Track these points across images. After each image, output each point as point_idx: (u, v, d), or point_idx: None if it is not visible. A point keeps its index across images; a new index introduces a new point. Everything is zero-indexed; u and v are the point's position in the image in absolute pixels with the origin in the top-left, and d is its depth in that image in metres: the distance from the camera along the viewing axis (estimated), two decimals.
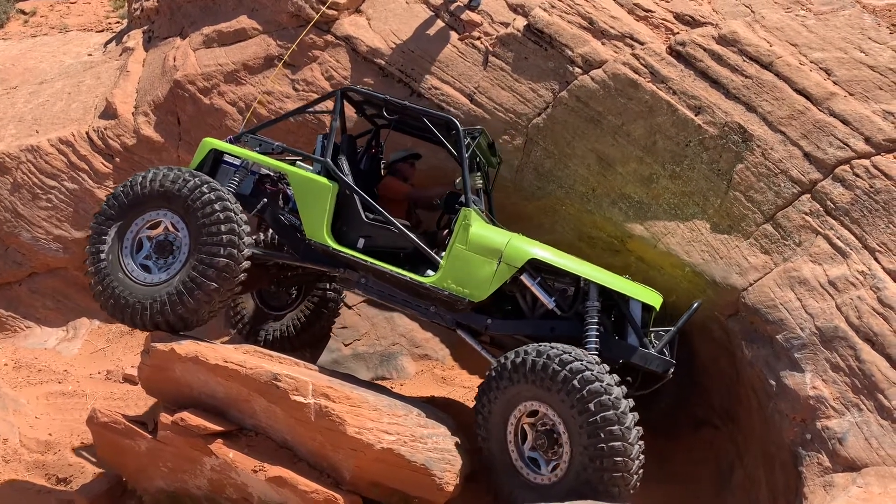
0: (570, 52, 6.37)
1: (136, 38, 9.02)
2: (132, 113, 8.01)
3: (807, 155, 5.66)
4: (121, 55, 9.07)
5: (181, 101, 7.62)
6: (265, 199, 5.62)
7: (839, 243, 5.41)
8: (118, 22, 11.53)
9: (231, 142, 5.81)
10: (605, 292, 5.19)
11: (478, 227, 5.26)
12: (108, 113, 8.14)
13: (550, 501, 4.56)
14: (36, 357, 7.58)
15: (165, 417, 5.06)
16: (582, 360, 4.64)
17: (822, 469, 4.91)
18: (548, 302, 5.21)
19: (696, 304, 5.43)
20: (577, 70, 6.32)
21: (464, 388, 6.95)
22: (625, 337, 5.23)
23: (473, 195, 5.55)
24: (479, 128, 5.83)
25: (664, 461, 6.17)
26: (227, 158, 5.66)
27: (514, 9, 6.77)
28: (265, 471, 4.82)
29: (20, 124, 8.58)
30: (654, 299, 5.35)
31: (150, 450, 5.15)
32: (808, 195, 5.60)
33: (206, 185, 5.21)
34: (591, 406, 4.53)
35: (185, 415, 5.01)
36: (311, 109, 6.22)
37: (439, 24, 6.92)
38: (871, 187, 5.43)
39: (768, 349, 5.38)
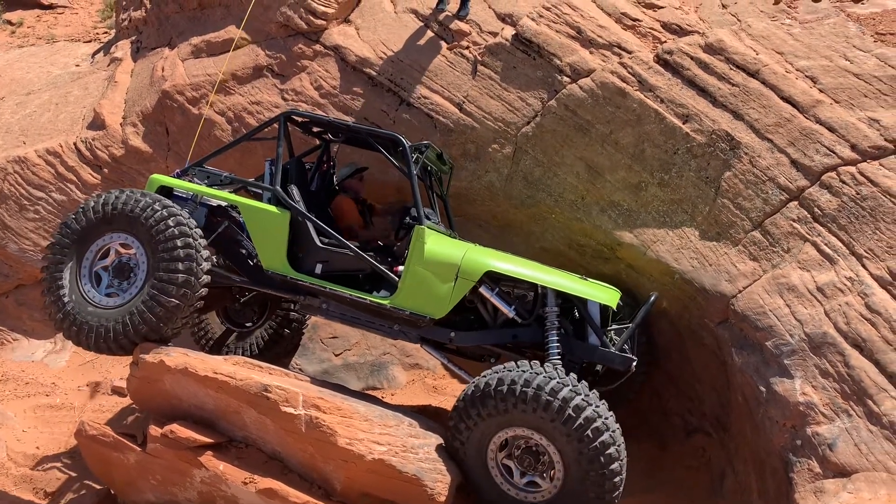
0: (558, 61, 6.40)
1: (124, 49, 9.00)
2: (120, 123, 7.98)
3: (794, 162, 5.70)
4: (109, 66, 9.05)
5: (170, 112, 7.60)
6: (225, 224, 5.66)
7: (827, 250, 5.44)
8: (106, 32, 11.50)
9: (178, 176, 5.84)
10: (562, 295, 5.26)
11: (432, 244, 5.31)
12: (96, 123, 8.10)
13: None
14: (23, 370, 7.52)
15: (154, 430, 5.03)
16: (568, 385, 4.68)
17: (812, 475, 4.92)
18: (508, 311, 5.29)
19: (652, 297, 5.50)
20: (566, 79, 6.35)
21: (455, 397, 6.92)
22: (585, 338, 5.30)
23: (427, 207, 5.62)
24: (427, 142, 5.88)
25: (656, 469, 6.18)
26: (176, 193, 5.70)
27: (503, 18, 6.80)
28: (255, 483, 4.79)
29: (7, 135, 8.53)
30: (612, 298, 5.38)
31: (140, 462, 5.11)
32: (796, 202, 5.63)
33: (158, 203, 5.25)
34: (590, 433, 4.60)
35: (175, 427, 4.98)
36: (256, 136, 6.12)
37: (428, 33, 6.94)
38: (858, 194, 5.47)
39: (758, 356, 5.40)
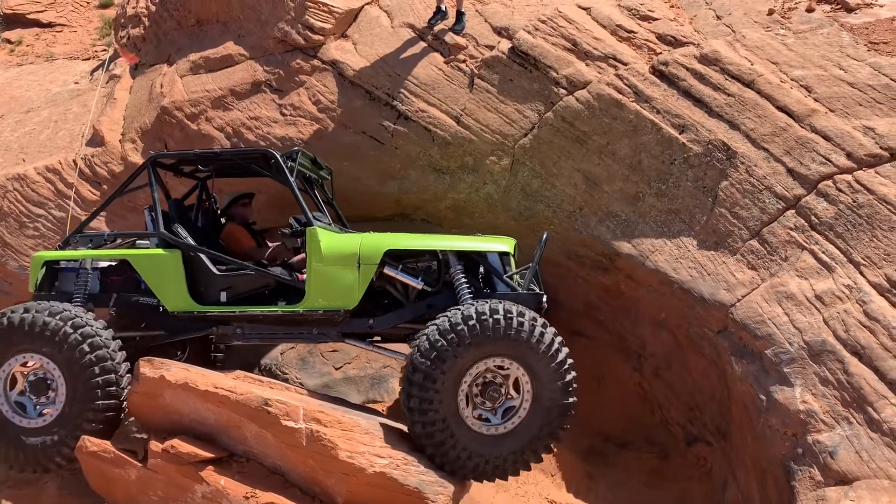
0: (554, 74, 6.44)
1: (122, 66, 9.04)
2: (119, 140, 8.01)
3: (790, 171, 5.73)
4: (107, 83, 9.09)
5: (169, 128, 7.63)
6: (120, 282, 5.65)
7: (824, 258, 5.46)
8: (104, 50, 11.56)
9: (62, 247, 5.83)
10: (463, 256, 5.36)
11: (327, 241, 5.39)
12: (96, 140, 8.13)
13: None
14: None
15: (155, 445, 5.01)
16: (529, 311, 4.86)
17: (814, 483, 4.92)
18: (416, 284, 5.37)
19: (545, 237, 5.54)
20: (562, 91, 6.39)
21: None
22: (494, 288, 5.38)
23: (316, 211, 5.74)
24: (297, 149, 5.94)
25: (657, 479, 6.18)
26: (63, 265, 5.69)
27: (499, 32, 6.85)
28: (257, 497, 4.78)
29: (7, 153, 8.56)
30: (508, 244, 5.50)
31: (141, 478, 5.09)
32: (793, 210, 5.66)
33: (70, 325, 5.14)
34: (561, 356, 4.81)
35: (176, 442, 4.96)
36: (129, 188, 6.03)
37: (425, 47, 6.98)
38: (854, 202, 5.49)
39: (758, 364, 5.41)
